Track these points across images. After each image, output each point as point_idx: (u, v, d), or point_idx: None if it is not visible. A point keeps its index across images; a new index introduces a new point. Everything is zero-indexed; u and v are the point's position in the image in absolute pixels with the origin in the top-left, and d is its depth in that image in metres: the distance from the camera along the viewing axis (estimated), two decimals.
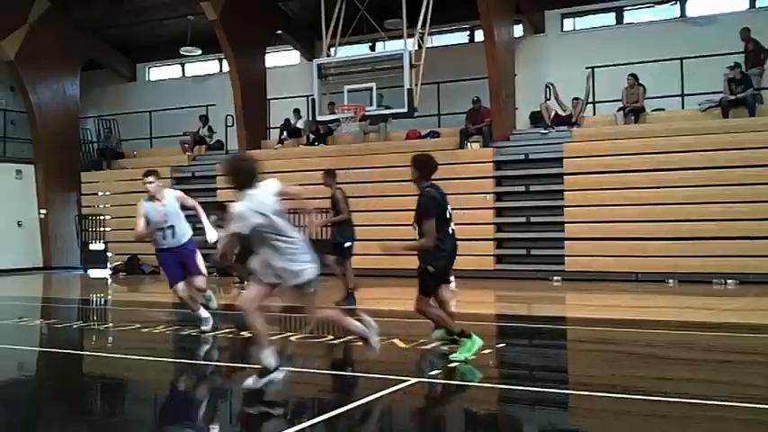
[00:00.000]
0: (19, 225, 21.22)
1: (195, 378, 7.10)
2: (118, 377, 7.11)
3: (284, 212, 5.89)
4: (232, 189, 5.97)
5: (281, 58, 22.72)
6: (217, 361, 7.83)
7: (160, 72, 25.15)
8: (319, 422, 5.04)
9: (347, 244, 11.63)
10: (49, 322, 10.86)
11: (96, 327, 10.86)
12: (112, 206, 21.19)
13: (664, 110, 16.89)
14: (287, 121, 20.53)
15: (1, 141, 21.92)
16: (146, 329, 9.36)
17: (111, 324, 11.16)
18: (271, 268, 5.82)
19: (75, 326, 10.43)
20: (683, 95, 16.79)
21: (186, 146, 21.27)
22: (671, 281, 14.60)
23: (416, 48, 16.23)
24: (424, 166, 6.99)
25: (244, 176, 5.93)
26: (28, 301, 14.50)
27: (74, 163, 22.28)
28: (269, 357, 5.72)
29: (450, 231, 6.87)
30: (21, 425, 5.42)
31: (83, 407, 6.13)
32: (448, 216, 6.83)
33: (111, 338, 9.49)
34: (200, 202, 20.48)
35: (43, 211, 21.76)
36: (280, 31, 21.28)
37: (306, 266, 5.83)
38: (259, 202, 5.78)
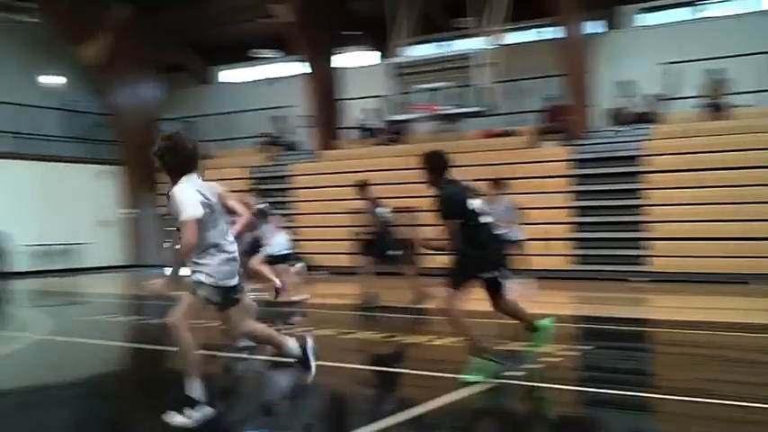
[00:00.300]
0: (104, 224, 21.93)
1: (272, 375, 7.24)
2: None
3: (226, 214, 5.19)
4: (165, 174, 5.14)
5: (355, 59, 22.92)
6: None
7: (236, 74, 25.69)
8: (396, 423, 5.08)
9: (392, 252, 11.62)
10: (134, 318, 11.22)
11: None
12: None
13: (750, 106, 16.36)
14: (360, 120, 20.73)
15: (86, 143, 22.72)
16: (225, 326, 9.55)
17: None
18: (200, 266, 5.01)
19: (156, 322, 10.75)
20: (763, 91, 16.27)
21: (263, 147, 21.67)
22: (754, 282, 14.18)
23: (490, 46, 16.20)
24: (437, 164, 6.38)
25: (182, 157, 5.03)
26: (115, 298, 15.03)
27: (152, 164, 22.89)
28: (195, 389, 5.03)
29: (483, 223, 6.28)
30: (105, 419, 5.65)
31: (163, 400, 6.34)
32: (472, 209, 6.25)
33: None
34: (274, 202, 20.81)
35: (127, 211, 22.48)
36: (353, 32, 21.47)
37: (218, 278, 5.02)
38: (201, 184, 5.02)
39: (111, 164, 22.38)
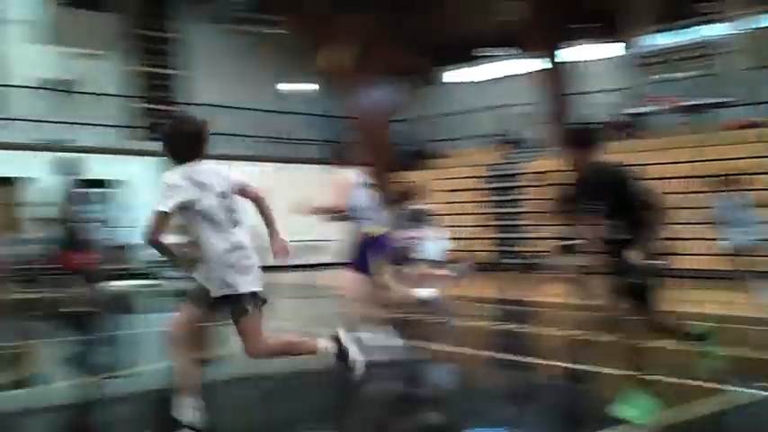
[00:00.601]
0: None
1: (515, 374, 7.28)
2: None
3: (233, 207, 4.62)
4: (170, 160, 4.63)
5: (589, 52, 22.37)
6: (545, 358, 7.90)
7: (467, 74, 25.99)
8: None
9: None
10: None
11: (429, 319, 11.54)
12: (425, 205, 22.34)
13: None
14: (595, 115, 20.22)
15: (326, 145, 24.07)
16: (474, 323, 9.72)
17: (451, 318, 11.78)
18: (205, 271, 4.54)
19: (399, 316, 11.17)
20: None
21: (495, 146, 21.81)
22: None
23: (737, 32, 15.21)
24: (586, 141, 5.44)
25: (182, 141, 4.57)
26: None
27: (388, 165, 23.79)
28: (184, 409, 4.59)
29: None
30: (347, 408, 5.99)
31: (397, 393, 6.58)
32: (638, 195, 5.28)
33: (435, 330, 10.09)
34: (511, 200, 20.65)
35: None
36: (587, 24, 20.97)
37: (240, 280, 4.50)
38: (200, 172, 4.51)
39: (351, 165, 23.53)
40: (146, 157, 19.77)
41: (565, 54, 20.91)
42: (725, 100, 15.66)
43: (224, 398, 6.07)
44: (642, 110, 16.76)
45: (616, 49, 20.57)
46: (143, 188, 19.50)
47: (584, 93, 20.53)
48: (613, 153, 18.20)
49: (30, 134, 18.63)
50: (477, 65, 25.28)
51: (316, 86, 24.54)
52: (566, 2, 19.79)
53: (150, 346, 9.06)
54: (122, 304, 13.72)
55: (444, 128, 23.64)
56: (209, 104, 20.88)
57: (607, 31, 21.01)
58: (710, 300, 11.63)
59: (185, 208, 4.43)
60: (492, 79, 24.62)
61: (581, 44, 21.88)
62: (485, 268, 18.17)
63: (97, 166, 18.76)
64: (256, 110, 21.84)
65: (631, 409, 4.98)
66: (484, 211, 20.37)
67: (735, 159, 14.97)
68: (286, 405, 5.96)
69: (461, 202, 20.71)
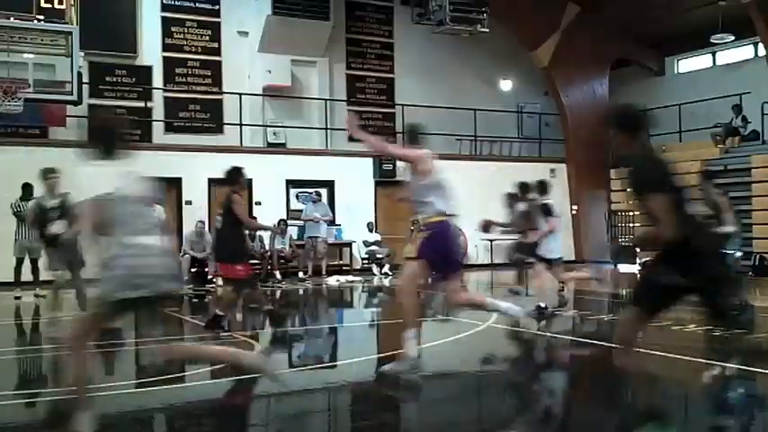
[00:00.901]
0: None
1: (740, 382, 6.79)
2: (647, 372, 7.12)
3: (145, 212, 4.56)
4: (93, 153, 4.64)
5: None
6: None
7: (689, 63, 24.45)
8: None
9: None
10: (582, 314, 11.39)
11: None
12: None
13: None
14: None
15: (537, 142, 23.65)
16: (677, 327, 9.17)
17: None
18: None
19: (605, 318, 10.76)
20: None
21: (718, 138, 20.33)
22: None
23: None
24: (633, 123, 4.71)
25: (97, 135, 4.68)
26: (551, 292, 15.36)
27: (603, 161, 22.93)
28: None
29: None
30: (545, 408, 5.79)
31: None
32: (678, 186, 4.49)
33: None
34: (733, 197, 19.29)
35: (575, 208, 22.83)
36: None
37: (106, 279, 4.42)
38: (108, 171, 4.52)
39: (560, 162, 23.00)
40: (361, 159, 20.48)
41: None
42: None
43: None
44: None
45: None
46: (356, 188, 20.31)
47: None
48: None
49: (252, 138, 19.91)
50: (706, 53, 23.63)
51: (521, 83, 24.17)
52: None
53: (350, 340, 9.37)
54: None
55: (670, 120, 22.33)
56: (420, 105, 21.21)
57: None
58: None
59: (98, 204, 4.40)
60: (722, 66, 22.97)
61: None
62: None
63: (313, 168, 19.80)
64: (467, 109, 21.88)
65: None
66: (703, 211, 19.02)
67: None
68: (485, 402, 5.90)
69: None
